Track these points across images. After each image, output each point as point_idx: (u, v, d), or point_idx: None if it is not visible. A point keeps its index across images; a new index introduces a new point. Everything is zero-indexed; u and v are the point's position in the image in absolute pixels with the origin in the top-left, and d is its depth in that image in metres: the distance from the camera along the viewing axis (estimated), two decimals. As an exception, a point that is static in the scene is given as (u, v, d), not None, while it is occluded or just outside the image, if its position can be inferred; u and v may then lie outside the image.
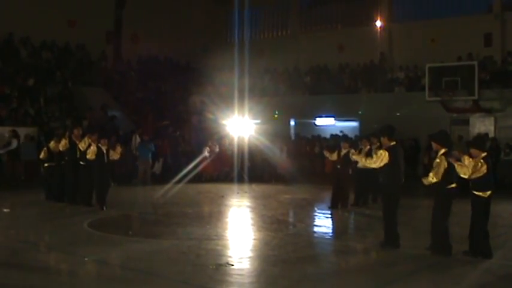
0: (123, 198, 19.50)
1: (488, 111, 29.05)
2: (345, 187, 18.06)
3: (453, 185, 11.05)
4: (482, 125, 29.49)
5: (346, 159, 17.63)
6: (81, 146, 17.42)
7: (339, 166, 17.90)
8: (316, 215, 17.75)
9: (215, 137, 28.61)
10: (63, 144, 17.91)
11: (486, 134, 27.62)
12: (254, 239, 13.34)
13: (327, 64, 37.17)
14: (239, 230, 14.93)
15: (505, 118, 29.09)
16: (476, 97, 28.14)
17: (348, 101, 33.35)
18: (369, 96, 33.78)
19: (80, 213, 16.18)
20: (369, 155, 18.30)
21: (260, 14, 43.15)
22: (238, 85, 30.84)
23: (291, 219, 17.02)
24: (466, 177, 10.85)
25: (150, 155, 25.60)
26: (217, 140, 28.33)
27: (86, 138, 17.50)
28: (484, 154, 10.95)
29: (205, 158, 26.90)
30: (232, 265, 10.29)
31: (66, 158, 17.98)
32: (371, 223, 15.17)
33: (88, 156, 17.12)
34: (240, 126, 27.95)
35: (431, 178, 11.01)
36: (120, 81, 33.41)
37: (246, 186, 25.01)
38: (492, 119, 29.31)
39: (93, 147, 17.13)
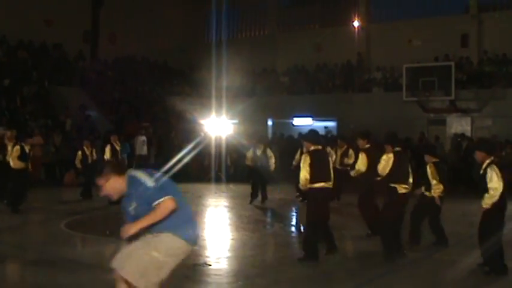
0: (99, 198, 19.35)
1: (465, 112, 29.26)
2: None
3: (321, 184, 10.85)
4: (458, 125, 29.70)
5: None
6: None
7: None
8: (293, 215, 17.76)
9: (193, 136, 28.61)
10: None
11: (462, 134, 27.87)
12: (232, 239, 13.33)
13: (305, 64, 37.22)
14: (217, 230, 14.90)
15: (482, 118, 29.32)
16: (453, 97, 28.35)
17: (326, 101, 33.38)
18: (346, 96, 33.87)
19: (57, 213, 16.07)
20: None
21: (238, 14, 43.13)
22: (216, 85, 30.77)
23: (268, 219, 17.03)
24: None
25: (126, 156, 25.59)
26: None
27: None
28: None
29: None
30: (210, 265, 10.27)
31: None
32: (348, 222, 15.20)
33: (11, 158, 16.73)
34: (218, 126, 27.90)
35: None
36: (97, 81, 33.20)
37: (223, 186, 24.99)
38: (469, 119, 29.53)
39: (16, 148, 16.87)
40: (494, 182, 9.91)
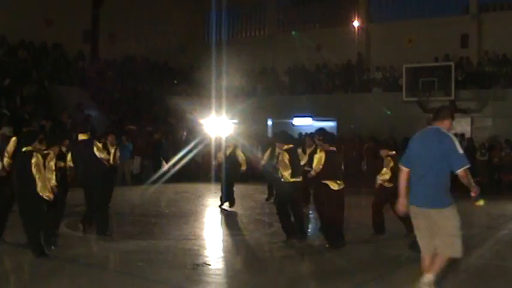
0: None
1: (465, 112, 29.25)
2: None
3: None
4: (458, 126, 29.66)
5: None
6: None
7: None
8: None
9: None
10: None
11: (462, 134, 27.94)
12: (231, 239, 13.33)
13: (305, 64, 37.21)
14: (216, 229, 14.92)
15: (481, 119, 29.36)
16: (452, 98, 28.34)
17: (326, 101, 33.39)
18: (346, 96, 33.89)
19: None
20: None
21: (237, 14, 43.12)
22: (216, 85, 30.75)
23: (268, 219, 17.02)
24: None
25: (129, 156, 25.55)
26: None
27: None
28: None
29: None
30: (210, 265, 10.28)
31: None
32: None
33: None
34: (218, 126, 27.86)
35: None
36: (97, 81, 33.19)
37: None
38: (468, 119, 29.54)
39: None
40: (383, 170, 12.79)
